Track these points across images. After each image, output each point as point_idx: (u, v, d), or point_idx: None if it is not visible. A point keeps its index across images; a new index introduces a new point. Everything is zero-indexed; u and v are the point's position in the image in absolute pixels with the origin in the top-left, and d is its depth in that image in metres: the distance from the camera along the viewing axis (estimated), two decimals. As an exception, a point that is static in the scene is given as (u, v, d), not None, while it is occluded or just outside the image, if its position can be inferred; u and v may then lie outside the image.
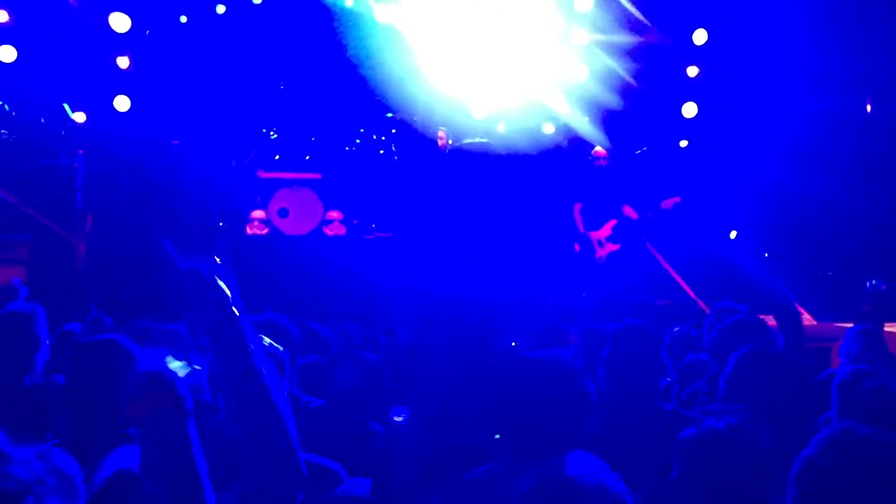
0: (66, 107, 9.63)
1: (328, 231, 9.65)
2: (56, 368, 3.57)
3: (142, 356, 2.91)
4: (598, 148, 9.56)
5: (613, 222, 9.26)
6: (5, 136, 9.26)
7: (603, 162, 9.46)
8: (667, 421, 3.06)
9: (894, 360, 4.16)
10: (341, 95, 10.13)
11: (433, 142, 9.45)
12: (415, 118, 9.75)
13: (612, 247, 9.24)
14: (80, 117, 9.67)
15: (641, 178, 9.66)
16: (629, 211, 9.39)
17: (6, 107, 9.38)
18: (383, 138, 10.15)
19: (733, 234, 9.81)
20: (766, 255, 9.46)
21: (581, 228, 9.35)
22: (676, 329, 4.83)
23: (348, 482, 2.65)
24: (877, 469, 1.72)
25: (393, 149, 10.12)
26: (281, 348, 3.33)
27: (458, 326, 3.66)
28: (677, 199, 9.56)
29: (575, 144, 9.96)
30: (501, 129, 10.16)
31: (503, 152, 9.64)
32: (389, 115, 10.05)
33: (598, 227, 9.38)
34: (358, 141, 10.14)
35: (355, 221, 9.74)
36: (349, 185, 9.80)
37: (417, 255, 9.01)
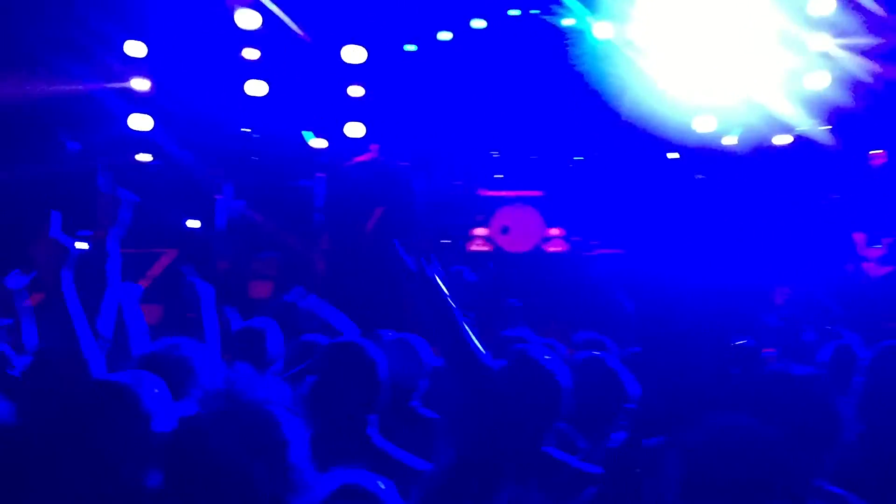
0: (306, 133, 10.40)
1: (549, 248, 9.67)
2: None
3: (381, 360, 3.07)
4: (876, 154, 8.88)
5: (890, 240, 8.45)
6: (255, 161, 10.14)
7: (879, 161, 8.71)
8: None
9: None
10: (562, 113, 10.15)
11: (655, 156, 9.23)
12: (637, 133, 9.57)
13: (882, 269, 8.44)
14: (318, 143, 10.40)
15: None
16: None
17: (255, 135, 10.28)
18: (605, 154, 10.05)
19: None
20: None
21: (858, 248, 8.65)
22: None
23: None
24: None
25: (615, 165, 9.99)
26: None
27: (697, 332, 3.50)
28: None
29: (815, 155, 9.31)
30: (729, 141, 9.72)
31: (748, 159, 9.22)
32: (611, 131, 9.94)
33: (872, 244, 8.61)
34: (580, 158, 10.11)
35: (576, 238, 9.69)
36: (571, 201, 9.78)
37: (653, 266, 8.77)
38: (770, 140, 9.54)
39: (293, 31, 10.03)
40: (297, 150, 10.38)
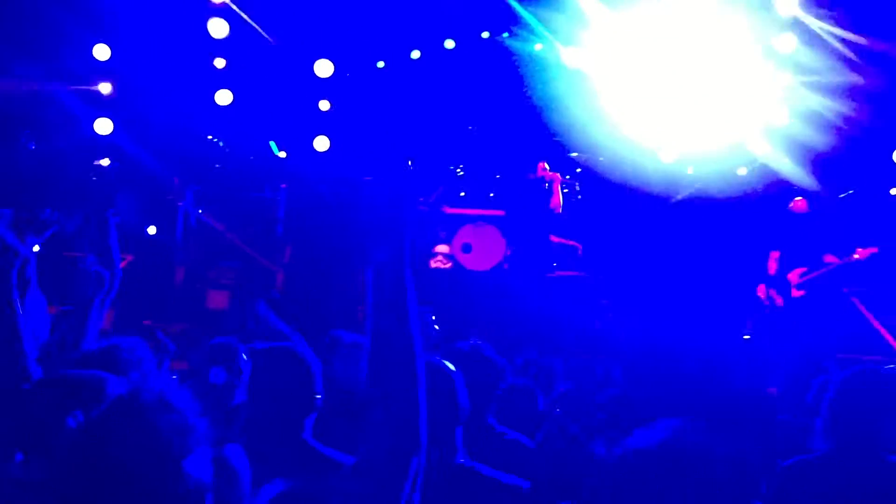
0: (273, 145, 10.34)
1: (509, 267, 9.67)
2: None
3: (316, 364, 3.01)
4: (797, 199, 9.05)
5: (803, 269, 8.74)
6: (219, 169, 10.05)
7: (801, 209, 8.97)
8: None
9: None
10: (527, 136, 10.22)
11: (619, 184, 9.32)
12: (600, 160, 9.66)
13: (797, 293, 8.67)
14: (283, 155, 10.34)
15: (843, 225, 9.00)
16: (830, 258, 8.75)
17: (220, 143, 10.20)
18: (567, 177, 10.10)
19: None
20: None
21: (772, 272, 8.89)
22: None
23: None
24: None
25: (577, 188, 10.05)
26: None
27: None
28: (874, 250, 8.75)
29: (773, 188, 9.44)
30: (690, 172, 9.82)
31: (694, 196, 9.40)
32: (574, 154, 10.00)
33: (788, 271, 8.88)
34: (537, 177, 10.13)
35: (537, 259, 9.70)
36: (532, 222, 9.79)
37: (607, 293, 8.89)
38: (727, 175, 9.64)
39: (264, 42, 10.02)
40: (263, 161, 10.32)
